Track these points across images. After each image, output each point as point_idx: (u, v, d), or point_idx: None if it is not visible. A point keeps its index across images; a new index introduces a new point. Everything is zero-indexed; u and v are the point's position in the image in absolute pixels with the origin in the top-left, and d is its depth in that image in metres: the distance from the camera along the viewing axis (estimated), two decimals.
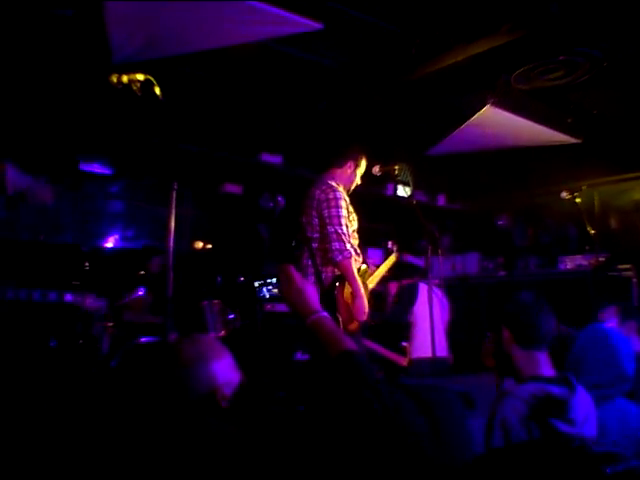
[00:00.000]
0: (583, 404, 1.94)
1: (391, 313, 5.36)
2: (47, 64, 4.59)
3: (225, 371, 1.64)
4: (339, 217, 3.76)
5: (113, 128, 5.86)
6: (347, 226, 3.81)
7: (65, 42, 4.37)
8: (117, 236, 6.79)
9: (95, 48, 4.34)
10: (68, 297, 3.80)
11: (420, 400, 1.88)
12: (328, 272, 3.81)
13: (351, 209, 3.98)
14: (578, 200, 5.24)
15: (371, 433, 1.53)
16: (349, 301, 3.75)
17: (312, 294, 1.84)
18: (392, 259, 4.76)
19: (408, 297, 5.11)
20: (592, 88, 5.22)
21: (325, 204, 3.78)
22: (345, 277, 3.74)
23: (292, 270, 1.91)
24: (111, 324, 4.61)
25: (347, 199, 3.94)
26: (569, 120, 5.98)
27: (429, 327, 4.29)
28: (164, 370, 1.62)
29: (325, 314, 1.80)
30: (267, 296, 1.70)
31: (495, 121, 5.71)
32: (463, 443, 1.84)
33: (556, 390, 1.96)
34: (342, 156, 4.08)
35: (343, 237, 3.74)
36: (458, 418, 2.00)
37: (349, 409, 1.54)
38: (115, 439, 1.76)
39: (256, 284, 1.66)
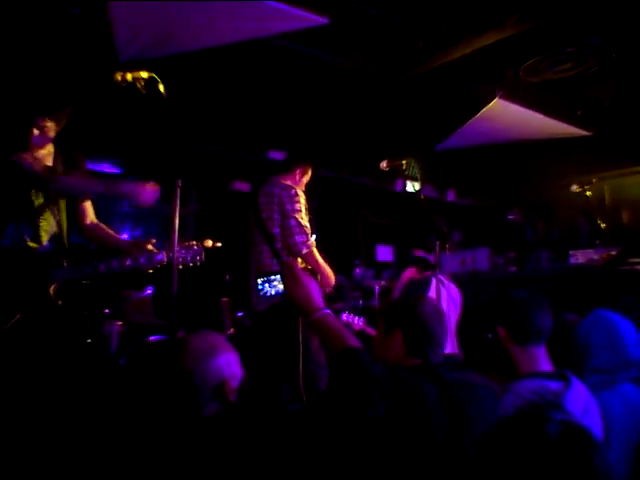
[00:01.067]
0: (579, 396, 1.96)
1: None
2: (54, 64, 4.58)
3: (231, 365, 1.67)
4: (300, 211, 3.89)
5: (122, 128, 5.87)
6: (307, 221, 3.95)
7: (72, 42, 4.37)
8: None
9: (102, 47, 4.35)
10: None
11: (446, 392, 1.87)
12: None
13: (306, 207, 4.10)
14: (589, 193, 5.18)
15: (374, 428, 1.53)
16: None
17: (316, 291, 1.84)
18: None
19: (417, 291, 5.03)
20: (602, 80, 5.16)
21: (287, 199, 3.90)
22: (312, 267, 3.84)
23: (296, 266, 1.92)
24: (120, 323, 4.62)
25: (304, 198, 4.06)
26: (579, 112, 5.93)
27: None
28: (174, 362, 1.65)
29: (329, 311, 1.80)
30: (271, 293, 1.68)
31: (504, 114, 5.66)
32: None
33: (553, 385, 1.98)
34: (290, 164, 4.29)
35: (305, 229, 3.85)
36: (488, 414, 1.99)
37: (353, 405, 1.55)
38: (123, 433, 1.77)
39: (259, 281, 1.65)
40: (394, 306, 2.30)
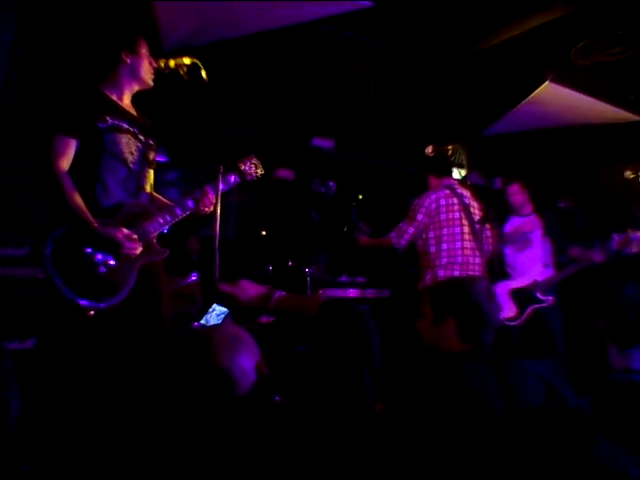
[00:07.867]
0: None
1: None
2: (98, 54, 4.64)
3: (254, 346, 1.73)
4: None
5: (166, 116, 5.90)
6: None
7: (115, 31, 4.41)
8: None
9: (145, 36, 4.37)
10: None
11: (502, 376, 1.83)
12: None
13: None
14: None
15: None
16: None
17: (249, 284, 1.90)
18: None
19: None
20: None
21: None
22: None
23: (221, 286, 1.96)
24: None
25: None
26: (632, 96, 5.73)
27: None
28: (209, 363, 1.65)
29: (278, 291, 1.86)
30: (215, 321, 1.71)
31: (555, 98, 5.51)
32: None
33: None
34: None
35: None
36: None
37: (349, 341, 1.66)
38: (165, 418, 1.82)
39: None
40: (443, 291, 2.18)
